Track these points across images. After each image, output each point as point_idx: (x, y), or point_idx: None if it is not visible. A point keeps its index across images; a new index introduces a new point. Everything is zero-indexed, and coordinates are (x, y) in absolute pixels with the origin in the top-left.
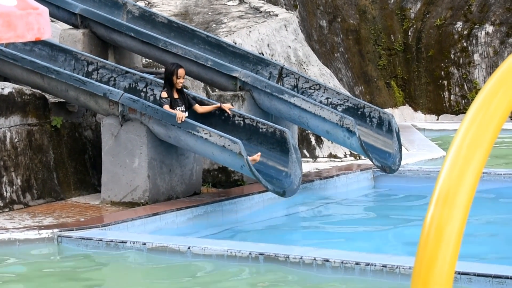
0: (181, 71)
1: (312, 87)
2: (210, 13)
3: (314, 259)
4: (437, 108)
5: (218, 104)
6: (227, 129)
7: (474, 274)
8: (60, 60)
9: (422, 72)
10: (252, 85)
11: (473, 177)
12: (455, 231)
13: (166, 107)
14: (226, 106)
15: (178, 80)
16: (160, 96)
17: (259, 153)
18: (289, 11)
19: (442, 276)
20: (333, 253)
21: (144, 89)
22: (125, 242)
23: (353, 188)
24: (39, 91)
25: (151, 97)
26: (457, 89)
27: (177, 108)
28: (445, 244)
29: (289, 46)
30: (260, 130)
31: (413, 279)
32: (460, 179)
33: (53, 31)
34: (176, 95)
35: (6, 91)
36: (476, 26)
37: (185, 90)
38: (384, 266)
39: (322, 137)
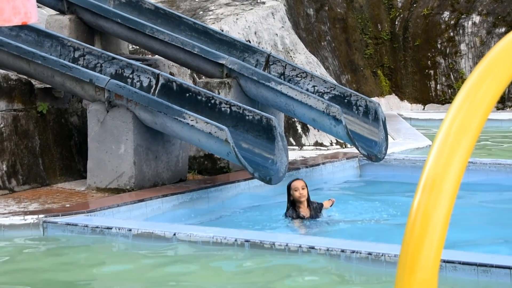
0: (295, 184)
1: (298, 75)
2: (197, 0)
3: (300, 246)
4: (423, 97)
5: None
6: (213, 116)
7: (459, 263)
8: (46, 46)
9: (409, 62)
10: (239, 72)
11: (460, 164)
12: (441, 217)
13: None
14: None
15: (296, 193)
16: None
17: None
18: None
19: (428, 262)
20: (318, 240)
21: (131, 76)
22: (111, 228)
23: (339, 176)
24: (25, 77)
25: (138, 84)
26: (443, 78)
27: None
28: (431, 230)
29: (276, 34)
30: (247, 117)
31: (399, 266)
32: (446, 166)
33: (40, 17)
34: (304, 212)
35: None
36: (463, 16)
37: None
38: (370, 253)
39: (308, 125)
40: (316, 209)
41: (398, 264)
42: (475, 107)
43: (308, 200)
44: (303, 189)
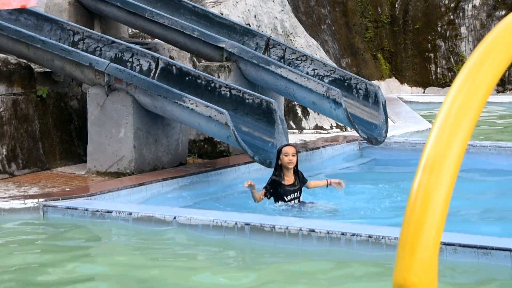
0: (286, 149)
1: (298, 58)
2: None
3: (300, 230)
4: (423, 80)
5: (327, 182)
6: (213, 99)
7: (459, 245)
8: (46, 30)
9: (409, 45)
10: (239, 55)
11: (460, 145)
12: (441, 199)
13: (258, 193)
14: (336, 182)
15: (285, 158)
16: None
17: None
18: None
19: (429, 244)
20: (318, 223)
21: (130, 59)
22: (111, 212)
23: (339, 159)
24: (24, 61)
25: (137, 67)
26: (443, 61)
27: (289, 195)
28: (431, 212)
29: (276, 17)
30: (247, 101)
31: (399, 248)
32: (447, 147)
33: (39, 0)
34: (288, 180)
35: None
36: None
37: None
38: (370, 236)
39: (308, 109)
40: (300, 179)
41: (399, 246)
42: (475, 88)
43: (295, 168)
44: (293, 156)
